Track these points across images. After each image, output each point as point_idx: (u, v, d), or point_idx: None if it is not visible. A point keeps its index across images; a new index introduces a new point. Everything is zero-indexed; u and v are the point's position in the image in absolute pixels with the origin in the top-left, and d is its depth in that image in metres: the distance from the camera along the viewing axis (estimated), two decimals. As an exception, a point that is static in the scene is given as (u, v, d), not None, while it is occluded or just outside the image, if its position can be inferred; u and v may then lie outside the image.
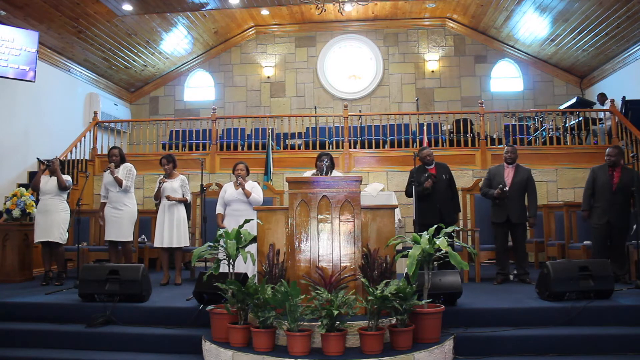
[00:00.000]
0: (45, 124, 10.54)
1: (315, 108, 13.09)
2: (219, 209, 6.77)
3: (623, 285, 6.11)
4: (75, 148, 10.30)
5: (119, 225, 7.01)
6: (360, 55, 13.89)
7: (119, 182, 6.97)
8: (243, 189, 6.58)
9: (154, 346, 4.83)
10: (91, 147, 10.74)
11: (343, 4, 9.93)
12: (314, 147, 10.46)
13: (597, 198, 6.76)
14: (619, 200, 6.63)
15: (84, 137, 10.59)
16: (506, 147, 7.08)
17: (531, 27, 11.77)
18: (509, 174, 6.89)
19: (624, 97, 10.31)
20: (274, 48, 13.90)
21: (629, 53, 10.80)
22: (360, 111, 12.04)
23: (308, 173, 6.70)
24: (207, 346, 4.49)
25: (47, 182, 7.16)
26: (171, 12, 10.99)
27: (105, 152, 10.68)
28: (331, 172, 6.55)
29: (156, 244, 7.05)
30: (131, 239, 7.23)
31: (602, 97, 11.03)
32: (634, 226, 6.48)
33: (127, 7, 10.14)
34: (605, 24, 10.17)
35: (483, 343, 4.60)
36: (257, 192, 6.69)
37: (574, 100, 10.83)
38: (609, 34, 10.47)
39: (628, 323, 4.87)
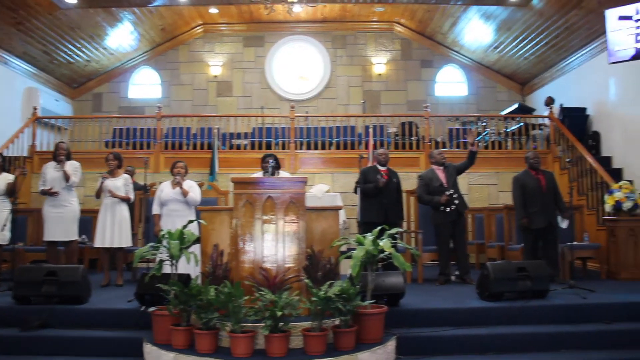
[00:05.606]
0: (-21, 118, 10.13)
1: (262, 108, 13.03)
2: (155, 209, 6.59)
3: (557, 285, 6.33)
4: (13, 144, 9.92)
5: (64, 223, 6.79)
6: (308, 56, 13.91)
7: (67, 177, 6.75)
8: (180, 187, 6.45)
9: (94, 349, 4.71)
10: (29, 143, 10.38)
11: (292, 5, 9.94)
12: (260, 147, 10.43)
13: (530, 203, 6.88)
14: (551, 201, 6.90)
15: (22, 133, 10.22)
16: (435, 150, 7.30)
17: (476, 33, 12.07)
18: (441, 175, 7.00)
19: (561, 105, 10.70)
20: (222, 47, 13.76)
21: (567, 62, 11.20)
22: (307, 112, 12.06)
23: (257, 174, 6.59)
24: (149, 348, 4.41)
25: None
26: (117, 7, 10.73)
27: (45, 149, 10.39)
28: (277, 172, 6.53)
29: (97, 244, 6.85)
30: (77, 237, 7.04)
31: (550, 100, 11.02)
32: (562, 224, 6.81)
33: (71, 0, 9.83)
34: (545, 33, 10.54)
35: (425, 343, 4.69)
36: (194, 191, 6.56)
37: (515, 106, 11.16)
38: (549, 43, 10.85)
39: (562, 321, 5.07)
